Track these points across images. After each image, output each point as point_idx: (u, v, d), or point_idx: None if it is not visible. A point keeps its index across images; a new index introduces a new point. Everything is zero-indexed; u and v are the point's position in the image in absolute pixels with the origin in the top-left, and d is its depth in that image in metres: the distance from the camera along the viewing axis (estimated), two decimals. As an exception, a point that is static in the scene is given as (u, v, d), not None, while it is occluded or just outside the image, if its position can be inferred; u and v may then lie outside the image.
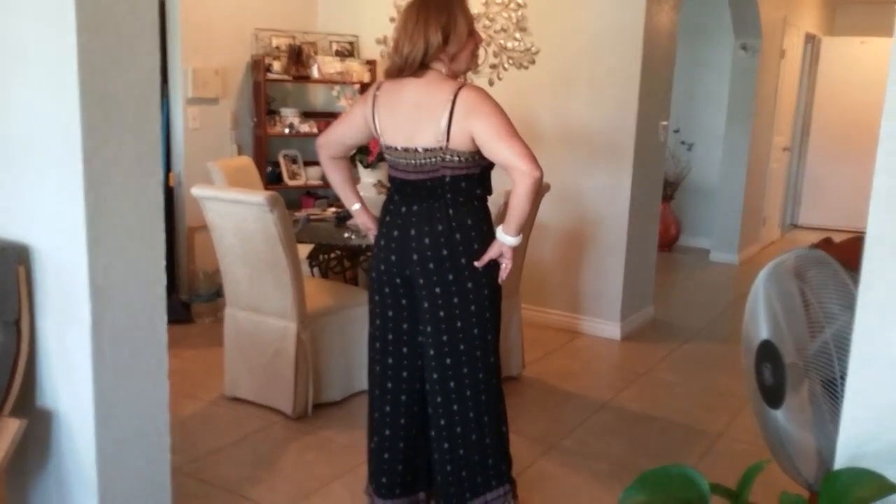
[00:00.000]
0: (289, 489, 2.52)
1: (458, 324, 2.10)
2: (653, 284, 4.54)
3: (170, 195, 4.17)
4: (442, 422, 2.16)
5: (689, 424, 3.16)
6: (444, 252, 2.07)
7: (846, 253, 1.78)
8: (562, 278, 4.26)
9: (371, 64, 4.73)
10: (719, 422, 3.18)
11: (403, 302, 2.18)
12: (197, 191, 2.99)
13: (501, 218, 2.15)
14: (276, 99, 4.70)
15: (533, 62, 3.74)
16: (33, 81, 1.69)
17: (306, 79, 4.62)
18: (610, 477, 2.69)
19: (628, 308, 4.19)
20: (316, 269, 3.66)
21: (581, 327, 4.22)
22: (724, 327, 4.53)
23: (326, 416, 3.05)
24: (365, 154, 3.35)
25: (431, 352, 2.14)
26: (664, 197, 5.23)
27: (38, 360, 1.81)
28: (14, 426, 1.74)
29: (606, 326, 4.16)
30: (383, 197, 3.43)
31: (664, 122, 4.30)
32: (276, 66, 4.49)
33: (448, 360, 2.13)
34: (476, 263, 2.10)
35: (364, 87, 4.63)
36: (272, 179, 4.59)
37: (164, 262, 1.83)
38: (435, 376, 2.15)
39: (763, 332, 1.88)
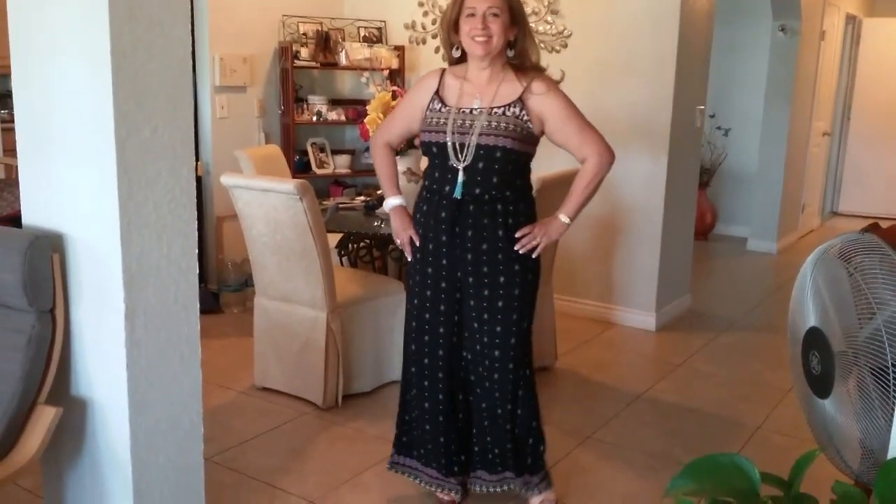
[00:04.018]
0: (319, 479, 2.51)
1: None
2: (689, 274, 4.45)
3: (198, 184, 4.17)
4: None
5: (727, 416, 3.08)
6: None
7: (895, 238, 1.71)
8: (595, 268, 4.18)
9: (399, 50, 4.69)
10: (758, 413, 3.10)
11: None
12: (226, 179, 2.99)
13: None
14: (304, 86, 4.69)
15: (565, 46, 3.68)
16: (66, 68, 1.69)
17: (334, 65, 4.60)
18: (646, 469, 2.64)
19: (664, 298, 4.10)
20: (345, 259, 3.64)
21: (615, 318, 4.15)
22: (762, 317, 4.42)
23: (356, 406, 3.04)
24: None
25: None
26: (700, 184, 5.10)
27: (72, 348, 1.81)
28: (50, 414, 1.75)
29: (641, 316, 4.08)
30: (412, 186, 3.41)
31: (700, 107, 4.19)
32: (304, 52, 4.47)
33: None
34: None
35: (392, 74, 4.59)
36: (300, 168, 4.58)
37: (196, 250, 1.82)
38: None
39: (811, 320, 1.81)
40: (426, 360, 2.24)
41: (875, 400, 1.63)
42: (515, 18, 2.10)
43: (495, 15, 2.05)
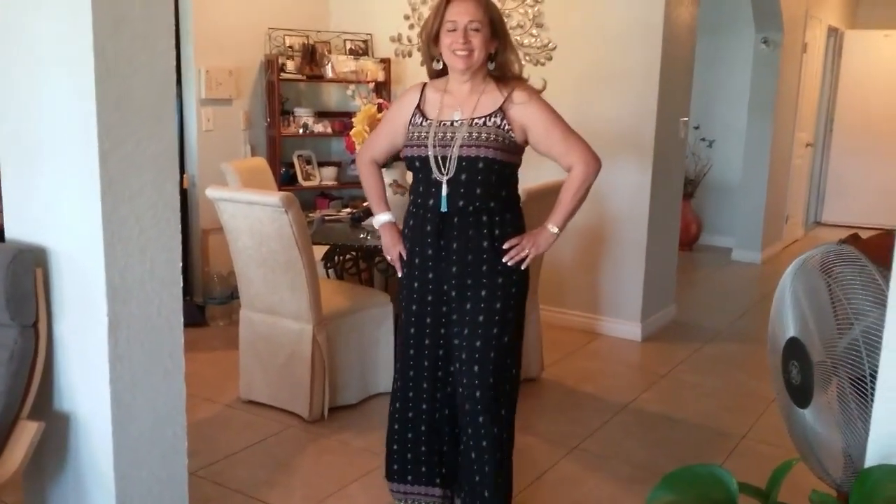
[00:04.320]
0: (305, 492, 2.51)
1: None
2: (674, 284, 4.48)
3: (183, 197, 4.18)
4: None
5: (712, 426, 3.10)
6: None
7: (875, 249, 1.74)
8: (581, 278, 4.21)
9: (385, 62, 4.71)
10: (743, 423, 3.12)
11: None
12: (212, 192, 2.99)
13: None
14: (290, 99, 4.70)
15: (550, 58, 3.71)
16: (50, 82, 1.69)
17: (320, 78, 4.61)
18: (631, 480, 2.65)
19: (649, 308, 4.13)
20: (331, 271, 3.64)
21: (601, 328, 4.17)
22: (747, 327, 4.45)
23: (342, 419, 3.03)
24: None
25: None
26: (685, 195, 5.16)
27: (55, 362, 1.81)
28: (32, 429, 1.74)
29: (627, 327, 4.10)
30: (399, 198, 3.43)
31: (684, 119, 4.24)
32: (290, 65, 4.48)
33: None
34: None
35: (378, 86, 4.61)
36: (286, 180, 4.58)
37: (180, 264, 1.82)
38: None
39: (790, 330, 1.83)
40: (411, 373, 2.24)
41: (854, 409, 1.65)
42: (496, 31, 2.10)
43: (476, 29, 2.05)
